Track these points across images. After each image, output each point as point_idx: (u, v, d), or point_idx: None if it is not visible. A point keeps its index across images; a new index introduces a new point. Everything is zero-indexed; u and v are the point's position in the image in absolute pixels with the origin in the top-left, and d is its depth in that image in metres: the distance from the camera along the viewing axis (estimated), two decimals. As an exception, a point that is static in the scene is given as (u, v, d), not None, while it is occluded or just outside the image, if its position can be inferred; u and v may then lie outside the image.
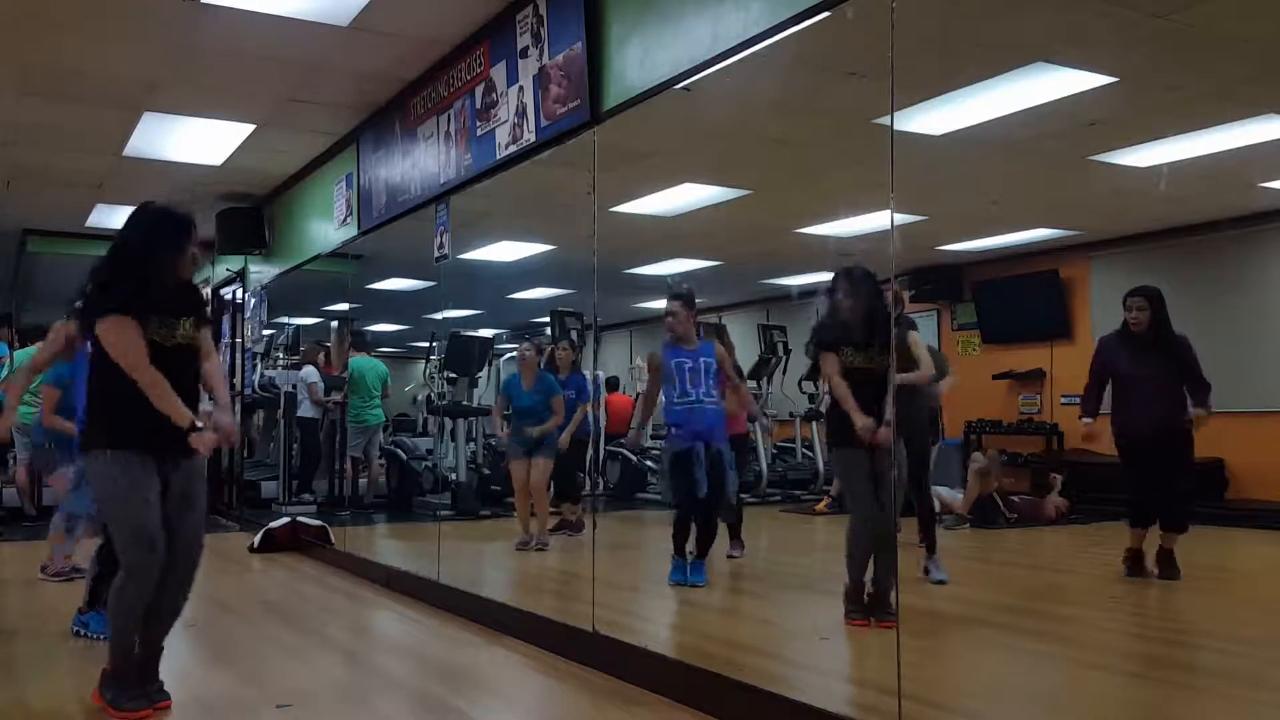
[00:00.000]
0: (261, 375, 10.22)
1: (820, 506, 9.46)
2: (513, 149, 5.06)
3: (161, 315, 3.36)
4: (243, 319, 9.71)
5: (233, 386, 9.78)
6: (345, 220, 7.36)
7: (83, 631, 4.54)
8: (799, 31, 3.38)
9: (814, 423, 11.05)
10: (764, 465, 10.36)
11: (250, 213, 9.15)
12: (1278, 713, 3.48)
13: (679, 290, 5.84)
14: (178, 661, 4.08)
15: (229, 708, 3.56)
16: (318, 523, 7.49)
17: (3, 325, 9.49)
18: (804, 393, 11.11)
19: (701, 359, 5.68)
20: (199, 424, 3.30)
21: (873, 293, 4.65)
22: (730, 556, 6.59)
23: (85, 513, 5.17)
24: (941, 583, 5.45)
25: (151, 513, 3.27)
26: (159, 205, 3.53)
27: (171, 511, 3.34)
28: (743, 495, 6.78)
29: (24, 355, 7.87)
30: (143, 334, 3.29)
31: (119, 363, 3.25)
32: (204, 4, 4.93)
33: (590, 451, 8.15)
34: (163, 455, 3.33)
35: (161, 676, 3.43)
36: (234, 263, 9.81)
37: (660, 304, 12.32)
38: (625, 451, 10.66)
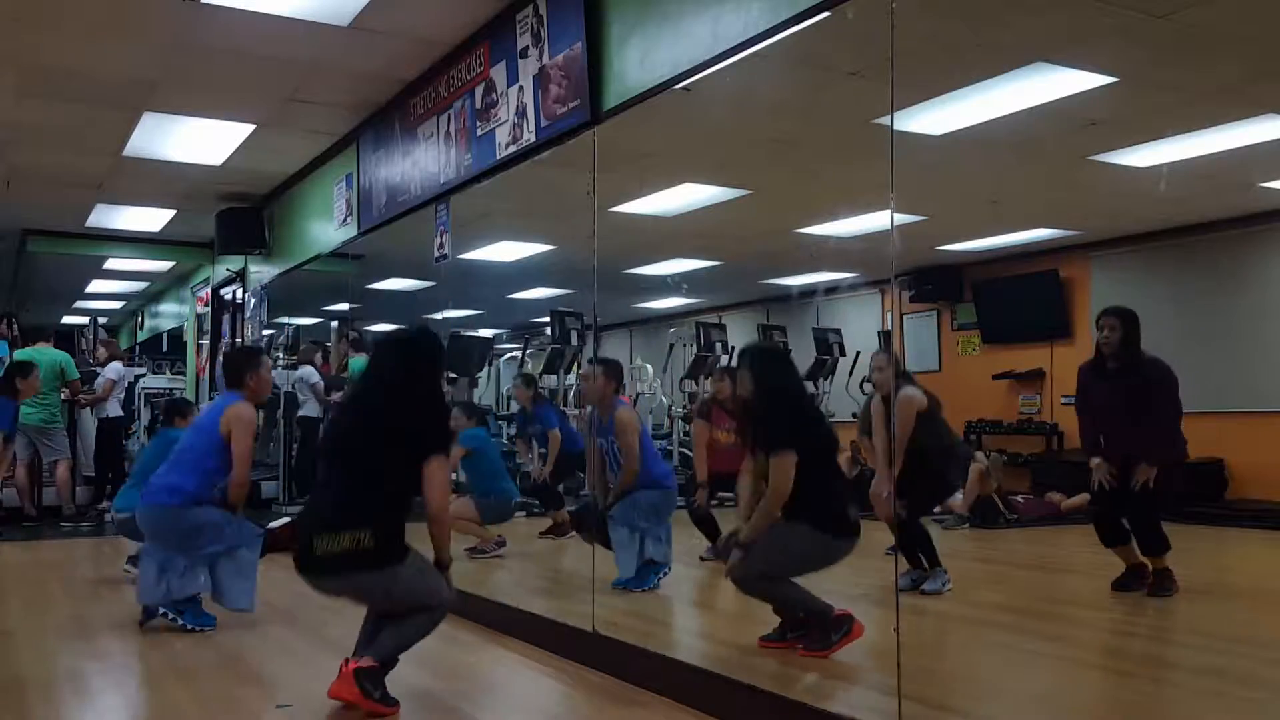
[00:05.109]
0: (261, 376, 10.21)
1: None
2: (513, 149, 5.06)
3: None
4: (243, 319, 9.71)
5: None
6: (345, 220, 7.35)
7: (178, 620, 4.58)
8: (799, 31, 3.38)
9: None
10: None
11: (250, 213, 9.15)
12: (1276, 712, 3.48)
13: (604, 357, 5.51)
14: (178, 662, 4.09)
15: (229, 707, 3.56)
16: (318, 523, 7.45)
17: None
18: (805, 393, 11.07)
19: (610, 437, 5.34)
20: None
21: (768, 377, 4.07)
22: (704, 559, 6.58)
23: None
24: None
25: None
26: (428, 337, 3.71)
27: None
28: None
29: (23, 355, 7.88)
30: None
31: (432, 498, 3.47)
32: (204, 4, 4.93)
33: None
34: None
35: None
36: (234, 263, 9.81)
37: (660, 304, 12.23)
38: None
